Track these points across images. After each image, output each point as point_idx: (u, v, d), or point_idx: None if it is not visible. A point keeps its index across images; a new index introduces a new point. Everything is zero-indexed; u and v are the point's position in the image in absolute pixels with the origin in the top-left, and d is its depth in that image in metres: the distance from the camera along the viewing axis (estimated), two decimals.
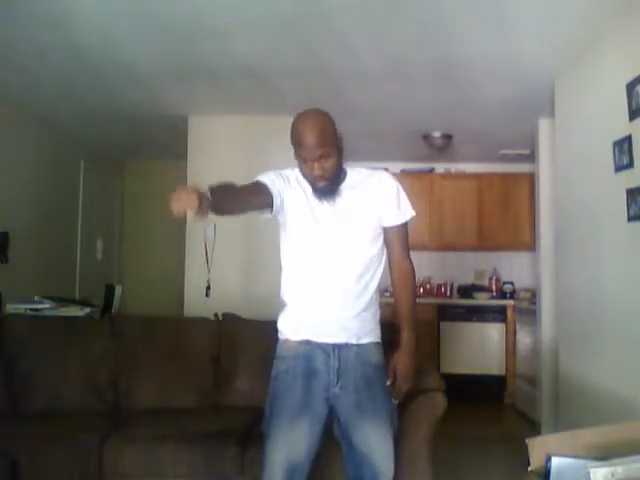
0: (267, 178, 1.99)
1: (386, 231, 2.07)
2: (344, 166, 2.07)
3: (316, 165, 1.92)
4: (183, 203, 1.55)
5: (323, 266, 2.01)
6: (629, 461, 1.38)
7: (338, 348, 1.99)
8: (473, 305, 6.24)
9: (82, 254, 5.78)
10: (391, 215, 2.05)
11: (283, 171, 2.06)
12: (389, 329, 3.54)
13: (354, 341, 2.01)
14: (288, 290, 2.08)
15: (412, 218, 2.10)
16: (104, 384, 3.24)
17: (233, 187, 1.85)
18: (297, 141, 1.93)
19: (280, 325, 2.10)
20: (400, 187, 2.09)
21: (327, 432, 2.02)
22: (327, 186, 1.98)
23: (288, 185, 2.02)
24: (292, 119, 1.97)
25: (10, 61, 3.72)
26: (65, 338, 3.33)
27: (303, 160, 1.94)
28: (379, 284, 2.08)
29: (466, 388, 5.69)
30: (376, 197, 2.04)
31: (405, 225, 2.09)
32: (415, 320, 2.09)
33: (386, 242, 2.09)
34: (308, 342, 2.01)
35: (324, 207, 2.01)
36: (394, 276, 2.12)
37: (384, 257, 2.10)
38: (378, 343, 2.08)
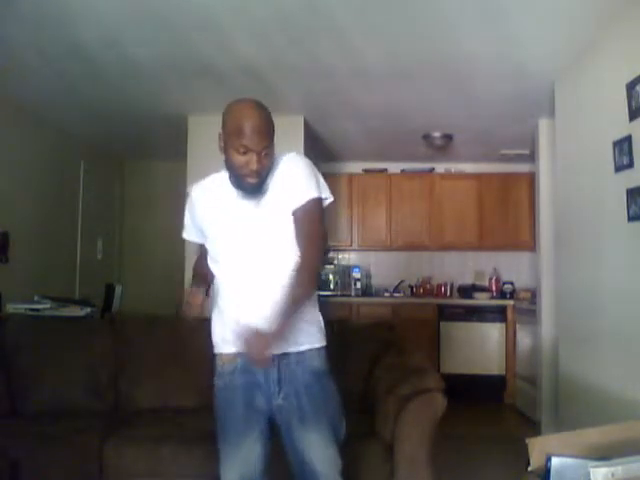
0: (187, 233, 2.04)
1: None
2: None
3: (256, 158, 1.76)
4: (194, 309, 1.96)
5: (248, 272, 1.86)
6: (629, 461, 1.38)
7: (277, 358, 1.85)
8: (473, 305, 6.23)
9: (82, 254, 5.78)
10: (289, 198, 1.84)
11: (191, 195, 1.98)
12: (386, 328, 3.56)
13: (292, 349, 1.87)
14: (218, 300, 1.95)
15: (317, 201, 1.85)
16: (104, 384, 3.24)
17: (200, 268, 2.07)
18: (237, 129, 1.75)
19: (213, 337, 1.99)
20: (303, 167, 1.88)
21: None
22: (258, 183, 1.81)
23: (200, 209, 1.94)
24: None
25: (10, 60, 3.72)
26: (65, 338, 3.33)
27: (241, 151, 1.76)
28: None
29: (466, 388, 5.69)
30: (282, 184, 1.85)
31: (306, 208, 1.83)
32: (286, 313, 1.74)
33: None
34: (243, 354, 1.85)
35: (245, 207, 1.86)
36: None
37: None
38: (319, 348, 1.93)
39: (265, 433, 1.92)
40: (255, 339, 1.70)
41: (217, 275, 1.94)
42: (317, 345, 1.93)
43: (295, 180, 1.85)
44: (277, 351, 1.84)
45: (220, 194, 1.90)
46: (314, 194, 1.85)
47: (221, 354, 1.97)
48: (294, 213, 1.85)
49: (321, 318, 1.99)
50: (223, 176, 1.90)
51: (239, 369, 1.92)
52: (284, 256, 1.86)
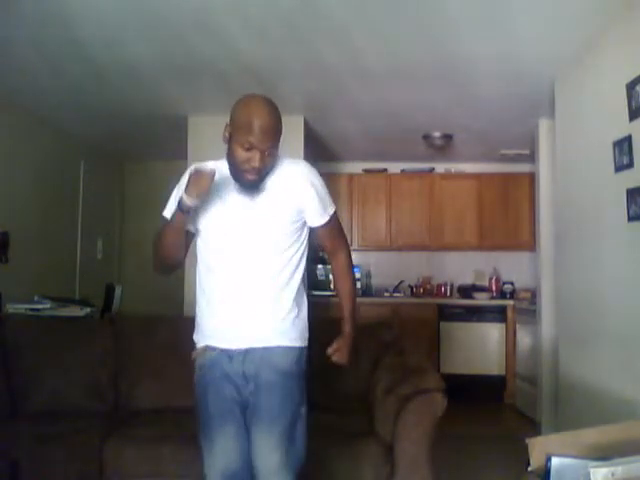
0: (169, 212, 1.91)
1: (313, 229, 1.97)
2: None
3: (259, 157, 1.75)
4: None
5: (237, 265, 1.87)
6: (629, 461, 1.37)
7: (244, 353, 1.86)
8: (473, 305, 6.23)
9: (82, 254, 5.78)
10: (314, 216, 1.93)
11: (183, 179, 1.91)
12: (386, 328, 3.55)
13: (257, 344, 1.86)
14: (198, 294, 1.97)
15: (335, 213, 2.01)
16: (104, 384, 3.24)
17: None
18: (246, 124, 1.74)
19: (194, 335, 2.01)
20: (316, 180, 1.93)
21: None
22: (257, 181, 1.81)
23: None
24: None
25: (10, 60, 3.72)
26: (65, 338, 3.33)
27: (246, 147, 1.76)
28: (302, 283, 1.96)
29: (466, 388, 5.69)
30: (293, 193, 1.88)
31: (333, 222, 1.99)
32: (356, 312, 2.09)
33: (317, 238, 2.00)
34: (212, 348, 1.90)
35: (241, 201, 1.86)
36: (332, 269, 2.13)
37: (304, 255, 1.96)
38: (291, 347, 1.89)
39: (242, 425, 1.86)
40: (341, 344, 2.02)
41: (205, 264, 1.93)
42: (289, 344, 1.89)
43: (315, 199, 1.91)
44: (241, 346, 1.86)
45: (219, 183, 1.85)
46: (334, 208, 1.99)
47: (196, 347, 1.97)
48: (319, 228, 1.96)
49: (305, 318, 1.96)
50: (226, 165, 1.87)
51: (208, 361, 1.91)
52: (271, 255, 1.88)
